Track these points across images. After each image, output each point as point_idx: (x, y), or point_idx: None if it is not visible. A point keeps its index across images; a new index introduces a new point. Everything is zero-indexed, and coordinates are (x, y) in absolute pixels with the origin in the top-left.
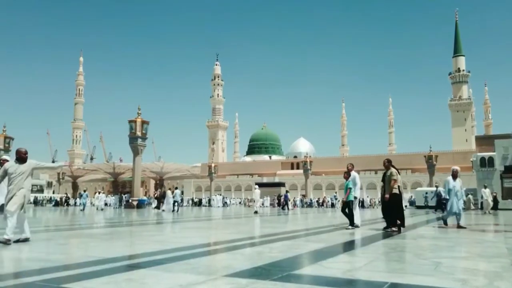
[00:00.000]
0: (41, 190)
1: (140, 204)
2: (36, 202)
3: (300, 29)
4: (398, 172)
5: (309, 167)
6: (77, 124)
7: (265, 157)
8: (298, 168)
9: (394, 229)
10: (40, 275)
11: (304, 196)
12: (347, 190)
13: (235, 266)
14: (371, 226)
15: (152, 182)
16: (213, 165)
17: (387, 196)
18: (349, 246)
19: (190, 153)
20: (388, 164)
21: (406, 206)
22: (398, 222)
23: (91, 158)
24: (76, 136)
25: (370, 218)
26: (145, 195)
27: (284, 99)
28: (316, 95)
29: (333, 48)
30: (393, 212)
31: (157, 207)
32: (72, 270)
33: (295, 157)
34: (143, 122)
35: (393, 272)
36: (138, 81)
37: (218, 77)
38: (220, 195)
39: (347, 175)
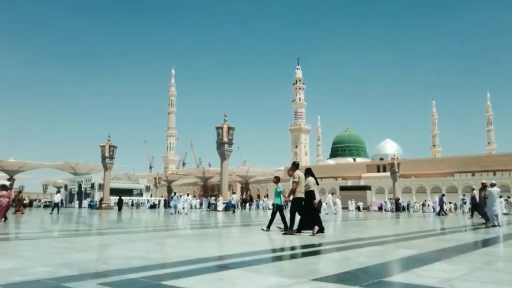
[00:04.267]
0: (140, 194)
1: (228, 207)
2: (138, 205)
3: (381, 26)
4: (316, 180)
5: (396, 170)
6: (170, 132)
7: (349, 159)
8: (384, 170)
9: (284, 231)
10: (141, 272)
11: (398, 199)
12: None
13: (322, 271)
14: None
15: (239, 186)
16: None
17: (287, 199)
18: (445, 253)
19: (273, 157)
20: (294, 167)
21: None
22: (317, 227)
23: (183, 164)
24: (170, 143)
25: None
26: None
27: (367, 100)
28: (402, 94)
29: (419, 42)
30: (303, 216)
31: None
32: (169, 268)
33: (381, 159)
34: (229, 128)
35: (500, 284)
36: (223, 89)
37: (300, 81)
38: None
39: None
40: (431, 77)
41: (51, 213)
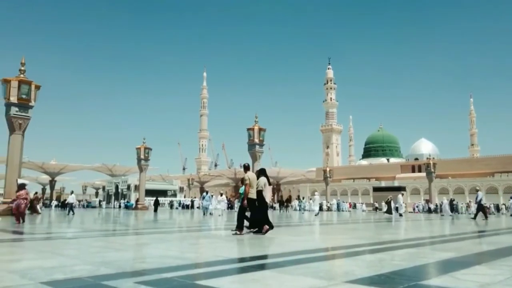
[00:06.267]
0: (174, 195)
1: None
2: (171, 205)
3: (416, 24)
4: (268, 180)
5: (432, 170)
6: (202, 134)
7: (383, 160)
8: (420, 171)
9: (238, 232)
10: (176, 272)
11: (427, 201)
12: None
13: (356, 273)
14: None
15: (270, 187)
16: (328, 169)
17: (244, 202)
18: (485, 256)
19: (305, 158)
20: (244, 169)
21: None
22: (267, 226)
23: (215, 165)
24: (202, 145)
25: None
26: None
27: (401, 99)
28: (438, 91)
29: (454, 39)
30: (253, 216)
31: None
32: (202, 268)
33: (416, 159)
34: (260, 130)
35: None
36: (254, 90)
37: (331, 80)
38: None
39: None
40: (468, 74)
41: (67, 214)
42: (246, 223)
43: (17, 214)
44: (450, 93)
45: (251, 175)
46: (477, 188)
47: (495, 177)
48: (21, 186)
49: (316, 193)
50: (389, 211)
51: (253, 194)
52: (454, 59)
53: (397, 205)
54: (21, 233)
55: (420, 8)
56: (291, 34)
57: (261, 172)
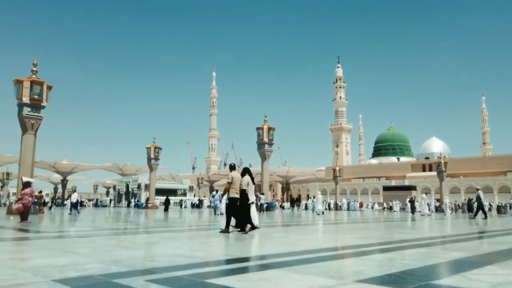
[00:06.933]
0: (184, 194)
1: (269, 207)
2: (181, 204)
3: (424, 22)
4: (252, 179)
5: (443, 169)
6: (212, 134)
7: (393, 159)
8: (430, 170)
9: (225, 229)
10: (186, 270)
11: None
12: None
13: (365, 272)
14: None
15: (279, 186)
16: (337, 168)
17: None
18: (497, 256)
19: (314, 157)
20: (230, 169)
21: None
22: (249, 225)
23: (225, 164)
24: (212, 144)
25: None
26: (273, 198)
27: (411, 97)
28: (448, 90)
29: (466, 37)
30: (237, 215)
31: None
32: (212, 266)
33: (427, 158)
34: (269, 129)
35: None
36: (263, 89)
37: (340, 79)
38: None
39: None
40: (480, 72)
41: (70, 213)
42: (233, 222)
43: (22, 212)
44: (461, 91)
45: (235, 174)
46: (478, 187)
47: (508, 176)
48: (26, 184)
49: (318, 192)
50: (412, 210)
51: (236, 194)
52: (465, 57)
53: (420, 204)
54: (32, 231)
55: (431, 6)
56: (300, 33)
57: (245, 171)
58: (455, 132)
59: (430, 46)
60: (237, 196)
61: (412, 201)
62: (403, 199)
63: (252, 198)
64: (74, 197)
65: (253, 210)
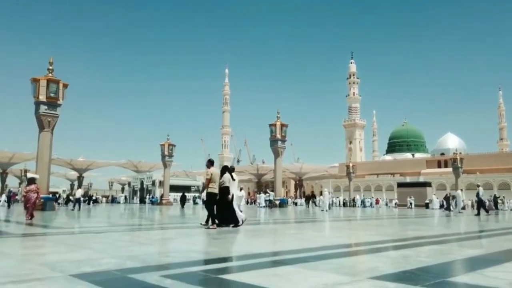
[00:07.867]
0: (198, 190)
1: (282, 203)
2: (194, 201)
3: (439, 16)
4: (232, 176)
5: (459, 165)
6: (225, 130)
7: (407, 155)
8: (446, 166)
9: (211, 226)
10: (200, 266)
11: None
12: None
13: (380, 269)
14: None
15: (292, 183)
16: (351, 164)
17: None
18: None
19: (327, 154)
20: (209, 164)
21: None
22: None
23: (238, 161)
24: (225, 141)
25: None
26: (286, 195)
27: (426, 93)
28: (464, 85)
29: (482, 31)
30: (217, 210)
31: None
32: (226, 262)
33: (442, 154)
34: (282, 125)
35: None
36: (276, 85)
37: (354, 75)
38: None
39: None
40: (496, 65)
41: (72, 209)
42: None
43: (28, 208)
44: (478, 86)
45: (213, 170)
46: (478, 184)
47: None
48: (31, 180)
49: (325, 189)
50: (448, 208)
51: (215, 189)
52: (481, 52)
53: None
54: (50, 227)
55: (446, 2)
56: (313, 30)
57: (225, 169)
58: (471, 127)
59: (445, 41)
60: (216, 191)
61: (447, 198)
62: (418, 195)
63: (237, 193)
64: (78, 193)
65: (236, 206)
